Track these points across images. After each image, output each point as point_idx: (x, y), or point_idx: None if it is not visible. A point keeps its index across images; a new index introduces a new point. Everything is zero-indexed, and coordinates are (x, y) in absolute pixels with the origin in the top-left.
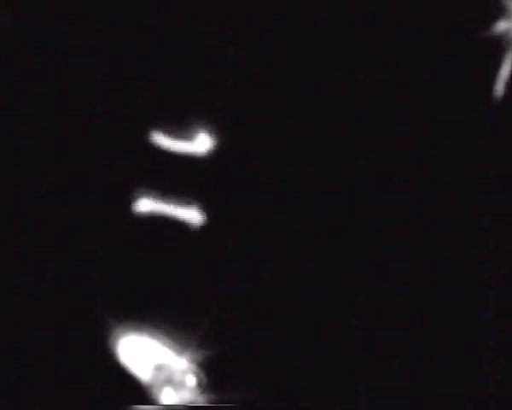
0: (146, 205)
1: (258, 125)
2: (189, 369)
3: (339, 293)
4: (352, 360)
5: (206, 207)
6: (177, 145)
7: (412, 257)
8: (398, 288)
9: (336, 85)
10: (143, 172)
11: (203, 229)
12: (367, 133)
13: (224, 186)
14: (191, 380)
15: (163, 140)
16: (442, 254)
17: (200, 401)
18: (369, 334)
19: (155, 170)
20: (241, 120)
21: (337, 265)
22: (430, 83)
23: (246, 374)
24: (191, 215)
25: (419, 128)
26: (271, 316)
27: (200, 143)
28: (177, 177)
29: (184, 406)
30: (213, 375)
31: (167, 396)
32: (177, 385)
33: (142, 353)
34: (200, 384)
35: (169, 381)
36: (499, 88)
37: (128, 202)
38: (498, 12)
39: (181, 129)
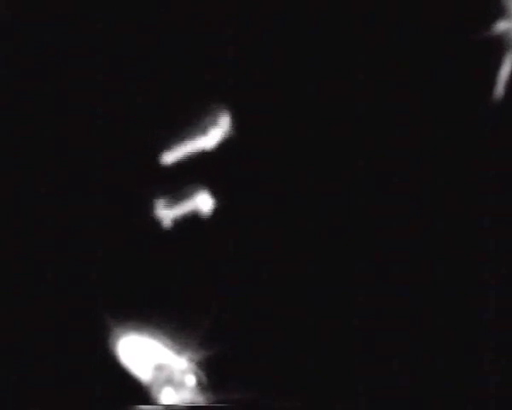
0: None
1: (258, 126)
2: (189, 369)
3: (339, 293)
4: (352, 360)
5: (206, 207)
6: (177, 145)
7: (412, 257)
8: (398, 288)
9: (336, 85)
10: (143, 172)
11: (203, 229)
12: (367, 133)
13: (223, 186)
14: (191, 380)
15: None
16: (442, 254)
17: (200, 401)
18: (369, 334)
19: (155, 170)
20: (240, 121)
21: (337, 265)
22: (430, 83)
23: (246, 374)
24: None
25: (419, 128)
26: (271, 316)
27: (200, 144)
28: (177, 177)
29: (184, 406)
30: (213, 375)
31: (167, 396)
32: (177, 385)
33: (142, 353)
34: (200, 384)
35: (169, 381)
36: (499, 88)
37: (128, 202)
38: (498, 12)
39: (180, 129)
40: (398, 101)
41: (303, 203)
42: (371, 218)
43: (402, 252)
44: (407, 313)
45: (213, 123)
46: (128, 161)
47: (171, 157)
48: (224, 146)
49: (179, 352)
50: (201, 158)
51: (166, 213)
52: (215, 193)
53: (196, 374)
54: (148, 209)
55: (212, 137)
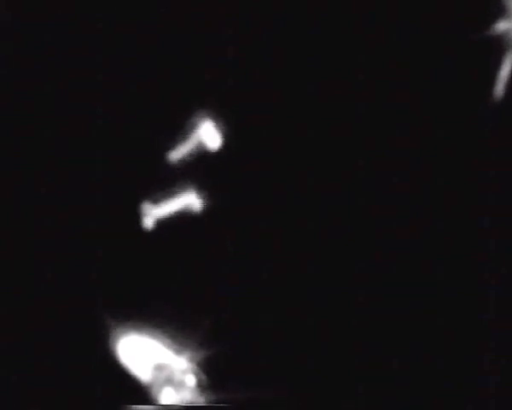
0: (146, 205)
1: (258, 126)
2: (189, 369)
3: (339, 293)
4: (351, 360)
5: (206, 207)
6: (177, 145)
7: (412, 257)
8: (398, 288)
9: (336, 85)
10: (143, 173)
11: (203, 229)
12: (367, 133)
13: (223, 187)
14: (191, 380)
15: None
16: (442, 254)
17: (200, 401)
18: (369, 334)
19: (155, 170)
20: (240, 121)
21: (337, 265)
22: (430, 83)
23: (246, 374)
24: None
25: (419, 128)
26: (271, 316)
27: (200, 143)
28: (177, 177)
29: (184, 406)
30: (213, 375)
31: (167, 396)
32: (177, 385)
33: (142, 353)
34: (200, 384)
35: (169, 381)
36: (499, 88)
37: (128, 202)
38: (498, 12)
39: (180, 129)
40: (398, 101)
41: (303, 203)
42: (371, 218)
43: (402, 252)
44: (407, 313)
45: (213, 123)
46: (129, 161)
47: (171, 157)
48: (224, 146)
49: (179, 352)
50: (202, 158)
51: (166, 214)
52: (215, 193)
53: (196, 374)
54: (148, 209)
55: (212, 136)
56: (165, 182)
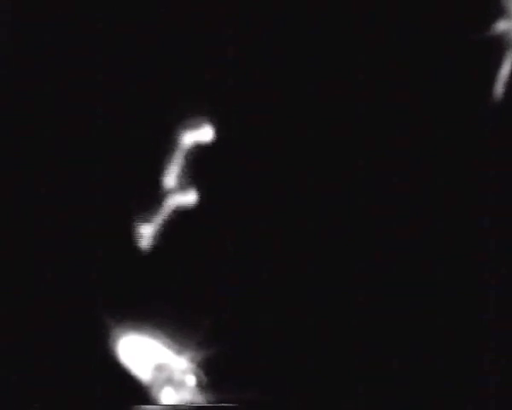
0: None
1: (259, 126)
2: (189, 369)
3: (339, 293)
4: (351, 360)
5: (206, 207)
6: (177, 145)
7: (412, 257)
8: (398, 288)
9: (336, 85)
10: (143, 172)
11: (203, 228)
12: (367, 133)
13: (223, 186)
14: (191, 380)
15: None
16: (442, 254)
17: (200, 401)
18: (369, 334)
19: (155, 170)
20: (240, 121)
21: (337, 265)
22: (430, 83)
23: (246, 374)
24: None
25: (419, 128)
26: (271, 316)
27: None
28: (177, 176)
29: (184, 406)
30: (213, 375)
31: (167, 396)
32: (177, 385)
33: (142, 353)
34: (200, 384)
35: (169, 381)
36: (499, 88)
37: (128, 201)
38: (498, 12)
39: (180, 129)
40: (398, 101)
41: (303, 203)
42: (371, 218)
43: (402, 252)
44: (407, 313)
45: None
46: (128, 160)
47: (171, 157)
48: (224, 145)
49: (179, 352)
50: (202, 158)
51: (166, 214)
52: (215, 193)
53: (196, 374)
54: (148, 209)
55: (212, 136)
56: (165, 182)
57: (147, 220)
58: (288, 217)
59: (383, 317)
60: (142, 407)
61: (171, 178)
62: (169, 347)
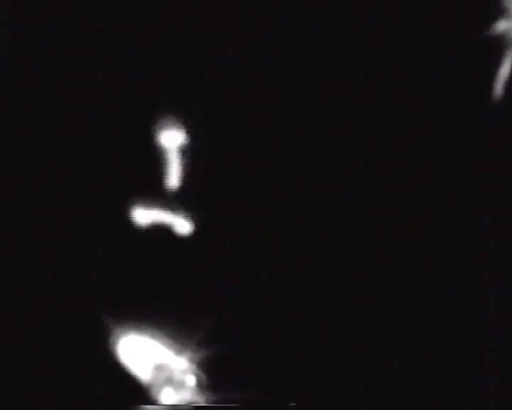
0: (146, 205)
1: (259, 126)
2: (189, 369)
3: (339, 293)
4: (351, 360)
5: (206, 207)
6: (177, 145)
7: (412, 257)
8: (398, 288)
9: (336, 85)
10: (143, 172)
11: (203, 228)
12: (367, 133)
13: (224, 186)
14: (191, 380)
15: (163, 140)
16: (442, 254)
17: (200, 401)
18: (369, 334)
19: (155, 170)
20: (241, 121)
21: (337, 265)
22: (430, 83)
23: (246, 374)
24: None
25: (419, 128)
26: (271, 316)
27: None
28: (177, 176)
29: (184, 406)
30: (213, 375)
31: (167, 396)
32: (177, 385)
33: (142, 353)
34: (200, 384)
35: (169, 381)
36: (499, 88)
37: (128, 201)
38: (498, 12)
39: (181, 129)
40: (398, 101)
41: (303, 203)
42: (371, 218)
43: (402, 252)
44: (407, 312)
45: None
46: (128, 160)
47: (171, 157)
48: (224, 145)
49: (179, 352)
50: (202, 158)
51: (166, 213)
52: (215, 193)
53: (196, 374)
54: (148, 209)
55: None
56: (166, 182)
57: (147, 220)
58: (288, 217)
59: (383, 317)
60: (142, 407)
61: (171, 178)
62: (169, 347)
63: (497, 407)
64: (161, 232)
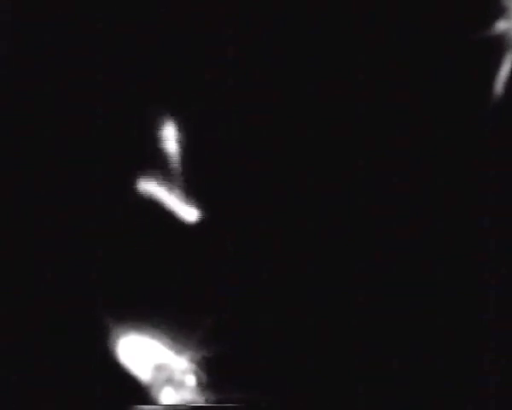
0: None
1: (258, 126)
2: (189, 369)
3: (339, 293)
4: (351, 360)
5: (206, 207)
6: (177, 145)
7: (412, 257)
8: (398, 288)
9: (336, 85)
10: (144, 173)
11: (203, 228)
12: (367, 133)
13: (223, 186)
14: (191, 380)
15: (162, 140)
16: (442, 254)
17: (200, 401)
18: (369, 334)
19: (155, 170)
20: (240, 121)
21: (337, 265)
22: (430, 83)
23: (246, 374)
24: (191, 215)
25: (419, 128)
26: (271, 316)
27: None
28: (177, 176)
29: (184, 406)
30: (213, 375)
31: (167, 396)
32: (177, 385)
33: (142, 353)
34: (200, 384)
35: (169, 381)
36: (499, 88)
37: (128, 202)
38: (498, 12)
39: (181, 128)
40: (398, 101)
41: (303, 203)
42: (371, 218)
43: (402, 252)
44: (407, 312)
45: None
46: (128, 161)
47: (170, 157)
48: (224, 145)
49: (179, 352)
50: (201, 158)
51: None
52: (215, 193)
53: (196, 374)
54: (147, 209)
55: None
56: (165, 182)
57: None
58: (288, 217)
59: (383, 317)
60: (142, 407)
61: (171, 179)
62: (169, 347)
63: (497, 407)
64: (161, 232)
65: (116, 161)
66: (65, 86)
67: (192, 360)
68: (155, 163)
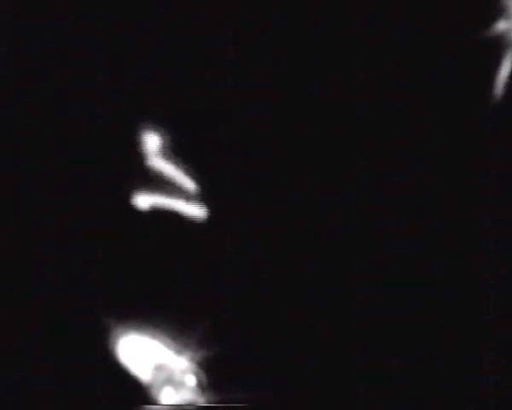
0: (146, 205)
1: (258, 126)
2: (189, 369)
3: (339, 293)
4: (351, 360)
5: (206, 207)
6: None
7: (412, 257)
8: (398, 288)
9: (336, 85)
10: (144, 173)
11: (203, 229)
12: (367, 133)
13: (223, 186)
14: (191, 380)
15: (162, 140)
16: (442, 254)
17: (200, 401)
18: (369, 334)
19: (156, 170)
20: (240, 121)
21: (337, 265)
22: (430, 83)
23: (246, 374)
24: (191, 215)
25: (419, 128)
26: (271, 316)
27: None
28: (177, 177)
29: (184, 406)
30: (213, 375)
31: (167, 396)
32: (177, 385)
33: (142, 353)
34: (200, 384)
35: (169, 381)
36: (499, 88)
37: (128, 202)
38: (498, 12)
39: (181, 128)
40: (398, 101)
41: (303, 203)
42: (371, 218)
43: (402, 252)
44: (407, 313)
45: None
46: (128, 161)
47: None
48: (224, 145)
49: (179, 352)
50: (201, 158)
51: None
52: (215, 193)
53: (196, 374)
54: (148, 209)
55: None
56: (165, 182)
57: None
58: (288, 217)
59: (383, 317)
60: (142, 406)
61: (171, 179)
62: (169, 347)
63: (497, 407)
64: (161, 232)
65: (116, 161)
66: (65, 86)
67: (192, 360)
68: (155, 163)
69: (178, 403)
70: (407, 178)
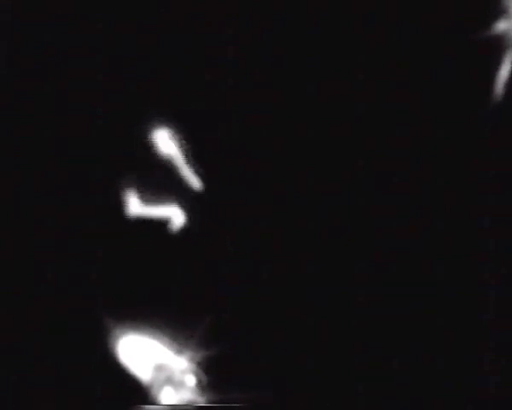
0: (146, 205)
1: (258, 125)
2: (189, 369)
3: (339, 293)
4: (351, 360)
5: (206, 207)
6: (177, 145)
7: (412, 257)
8: (398, 288)
9: (336, 85)
10: (144, 173)
11: (203, 229)
12: (367, 133)
13: (223, 186)
14: (191, 380)
15: (162, 140)
16: (442, 254)
17: (200, 401)
18: (369, 334)
19: (156, 170)
20: (240, 121)
21: (337, 265)
22: (430, 83)
23: (246, 374)
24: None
25: (419, 128)
26: (271, 316)
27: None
28: (177, 177)
29: (184, 406)
30: (213, 375)
31: (167, 396)
32: (177, 385)
33: (142, 353)
34: (200, 384)
35: (169, 381)
36: (499, 88)
37: (128, 202)
38: (498, 12)
39: (181, 128)
40: (398, 101)
41: (303, 203)
42: (371, 218)
43: (402, 252)
44: (407, 313)
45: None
46: (128, 161)
47: (170, 156)
48: (224, 145)
49: (179, 352)
50: (202, 158)
51: (166, 214)
52: (215, 193)
53: (196, 374)
54: (148, 210)
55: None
56: (165, 183)
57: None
58: (288, 217)
59: (383, 317)
60: (142, 406)
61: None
62: (169, 347)
63: (497, 407)
64: (161, 233)
65: (116, 161)
66: (65, 86)
67: (192, 360)
68: (155, 163)
69: (178, 403)
70: (407, 178)
